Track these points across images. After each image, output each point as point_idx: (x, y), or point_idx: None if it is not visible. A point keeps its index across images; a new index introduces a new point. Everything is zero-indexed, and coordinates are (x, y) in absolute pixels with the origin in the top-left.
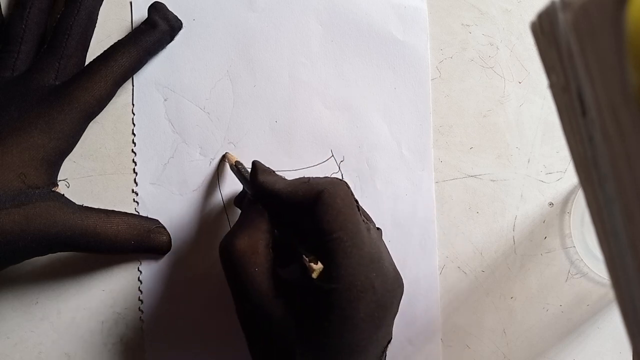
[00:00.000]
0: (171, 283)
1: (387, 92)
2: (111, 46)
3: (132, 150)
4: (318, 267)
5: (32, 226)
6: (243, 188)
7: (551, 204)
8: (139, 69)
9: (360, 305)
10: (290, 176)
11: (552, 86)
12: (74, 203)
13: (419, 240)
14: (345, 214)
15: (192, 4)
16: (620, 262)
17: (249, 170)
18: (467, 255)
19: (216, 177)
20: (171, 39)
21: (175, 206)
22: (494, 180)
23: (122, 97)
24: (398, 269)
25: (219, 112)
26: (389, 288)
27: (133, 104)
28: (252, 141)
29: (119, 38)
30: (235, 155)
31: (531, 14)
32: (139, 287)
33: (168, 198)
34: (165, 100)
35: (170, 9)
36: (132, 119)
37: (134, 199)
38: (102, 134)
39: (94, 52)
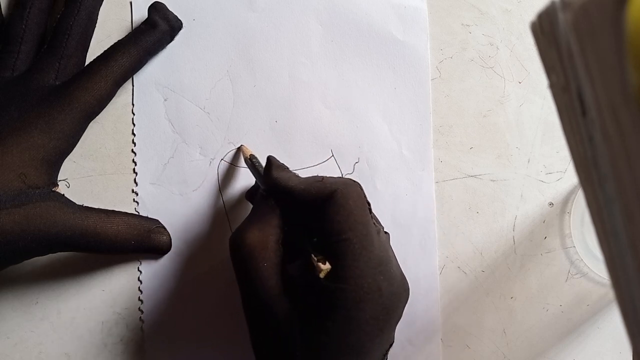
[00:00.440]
0: (171, 283)
1: (387, 92)
2: (111, 46)
3: (132, 150)
4: (326, 267)
5: (32, 226)
6: (255, 182)
7: (551, 204)
8: (139, 69)
9: (365, 307)
10: None
11: (552, 86)
12: (74, 203)
13: (419, 240)
14: (357, 215)
15: (192, 4)
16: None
17: (263, 164)
18: (467, 255)
19: (216, 177)
20: (171, 39)
21: (175, 206)
22: (494, 180)
23: (122, 97)
24: None
25: (219, 112)
26: (395, 292)
27: (133, 104)
28: (252, 141)
29: (119, 38)
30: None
31: (531, 14)
32: (139, 287)
33: (168, 198)
34: (165, 100)
35: (170, 9)
36: (132, 119)
37: (134, 199)
38: (102, 134)
39: (94, 52)
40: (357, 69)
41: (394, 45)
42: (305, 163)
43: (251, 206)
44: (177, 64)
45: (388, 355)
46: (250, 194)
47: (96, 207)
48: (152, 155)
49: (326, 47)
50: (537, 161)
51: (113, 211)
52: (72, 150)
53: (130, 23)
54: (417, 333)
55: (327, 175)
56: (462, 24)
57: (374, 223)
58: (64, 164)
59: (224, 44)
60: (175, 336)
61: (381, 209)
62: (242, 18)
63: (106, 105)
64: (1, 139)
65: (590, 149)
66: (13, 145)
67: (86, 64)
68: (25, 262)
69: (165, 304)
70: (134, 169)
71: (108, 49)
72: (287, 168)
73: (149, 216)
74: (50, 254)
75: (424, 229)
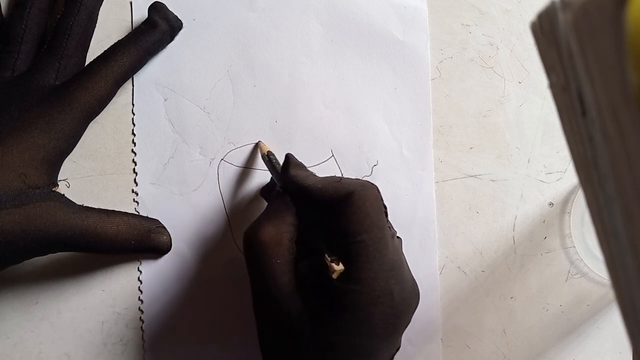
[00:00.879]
0: (171, 283)
1: (387, 92)
2: (111, 46)
3: (132, 150)
4: (339, 268)
5: (32, 226)
6: (271, 179)
7: (551, 204)
8: (139, 69)
9: (377, 310)
10: None
11: (552, 86)
12: (74, 203)
13: (419, 240)
14: (373, 218)
15: (192, 4)
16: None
17: (279, 161)
18: (467, 255)
19: (216, 177)
20: (171, 39)
21: (175, 206)
22: (494, 180)
23: (122, 97)
24: None
25: (219, 112)
26: (406, 297)
27: (133, 104)
28: (253, 141)
29: (119, 38)
30: (268, 146)
31: (531, 14)
32: (139, 287)
33: (168, 198)
34: (165, 100)
35: (170, 9)
36: (132, 119)
37: (134, 199)
38: (102, 134)
39: (94, 52)
40: (357, 69)
41: (394, 45)
42: (305, 163)
43: (250, 206)
44: (177, 64)
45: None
46: (265, 190)
47: (96, 207)
48: (152, 155)
49: (326, 47)
50: (537, 161)
51: (113, 211)
52: (72, 150)
53: (130, 23)
54: (417, 333)
55: (345, 176)
56: (462, 24)
57: (389, 227)
58: (64, 164)
59: (224, 44)
60: (175, 336)
61: None
62: (242, 18)
63: (106, 105)
64: (1, 139)
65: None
66: (13, 145)
67: (86, 64)
68: (25, 262)
69: (165, 304)
70: (134, 169)
71: (108, 49)
72: (305, 166)
73: (149, 216)
74: (50, 254)
75: (424, 229)
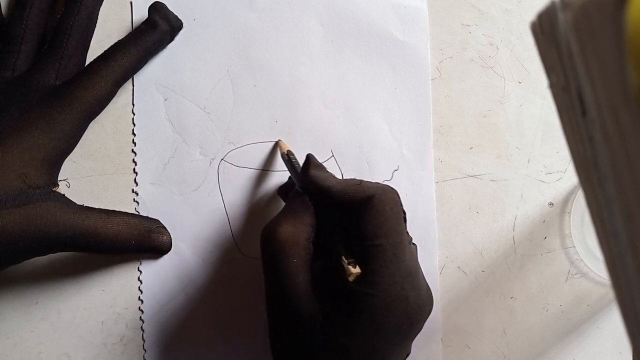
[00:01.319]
0: (171, 283)
1: (387, 92)
2: (111, 46)
3: (132, 150)
4: (356, 271)
5: (32, 226)
6: (289, 178)
7: (551, 204)
8: (140, 69)
9: (391, 315)
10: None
11: (552, 86)
12: (75, 203)
13: (419, 241)
14: (392, 223)
15: (192, 4)
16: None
17: (298, 161)
18: (467, 255)
19: (216, 177)
20: (171, 39)
21: (175, 206)
22: (494, 180)
23: (122, 97)
24: None
25: (219, 112)
26: (420, 303)
27: (133, 104)
28: (253, 141)
29: (119, 38)
30: (288, 145)
31: (531, 14)
32: (139, 287)
33: (168, 198)
34: (165, 100)
35: (170, 9)
36: (132, 119)
37: (134, 199)
38: (102, 134)
39: (94, 52)
40: (357, 69)
41: (394, 45)
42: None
43: (250, 205)
44: (178, 64)
45: None
46: (282, 189)
47: (96, 207)
48: (152, 155)
49: (326, 47)
50: (537, 161)
51: (113, 211)
52: (72, 150)
53: (130, 23)
54: None
55: (366, 180)
56: (462, 24)
57: (407, 232)
58: (64, 164)
59: (224, 44)
60: (175, 336)
61: None
62: (242, 18)
63: (106, 105)
64: (2, 139)
65: (590, 149)
66: (13, 145)
67: (86, 64)
68: (25, 262)
69: (165, 304)
70: (134, 169)
71: (108, 49)
72: (325, 167)
73: (149, 216)
74: (50, 254)
75: (424, 229)
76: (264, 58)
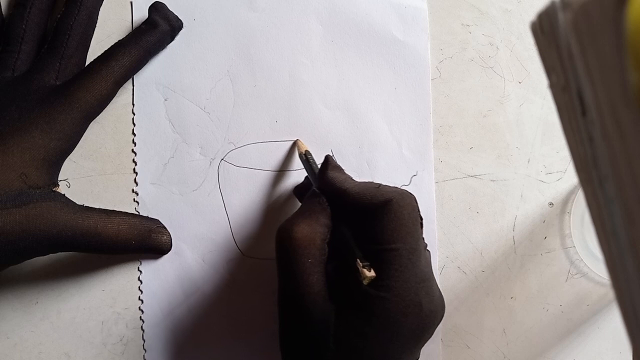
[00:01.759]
0: (171, 283)
1: (387, 92)
2: (112, 46)
3: (132, 150)
4: (370, 274)
5: (33, 226)
6: (305, 178)
7: (551, 204)
8: (140, 69)
9: (404, 320)
10: (291, 175)
11: (552, 86)
12: (75, 203)
13: None
14: (409, 228)
15: (192, 4)
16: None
17: (315, 161)
18: (467, 255)
19: (216, 177)
20: (172, 39)
21: (175, 206)
22: (494, 180)
23: (122, 97)
24: None
25: (219, 112)
26: (433, 309)
27: (133, 104)
28: (253, 141)
29: (119, 38)
30: (306, 145)
31: (531, 14)
32: (139, 287)
33: (168, 198)
34: (165, 100)
35: (170, 9)
36: (132, 119)
37: (134, 199)
38: (102, 134)
39: (94, 52)
40: (357, 69)
41: (394, 45)
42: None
43: (250, 205)
44: (178, 63)
45: None
46: (298, 189)
47: (96, 207)
48: (152, 155)
49: (326, 47)
50: (537, 161)
51: (114, 211)
52: (72, 150)
53: (130, 23)
54: None
55: (384, 184)
56: (462, 24)
57: (423, 238)
58: (64, 164)
59: (225, 44)
60: (175, 336)
61: None
62: (243, 18)
63: (107, 105)
64: (2, 139)
65: (590, 149)
66: (14, 145)
67: (86, 64)
68: (25, 262)
69: (165, 304)
70: (134, 169)
71: (109, 49)
72: (343, 169)
73: (149, 216)
74: (50, 254)
75: (424, 229)
76: (264, 58)
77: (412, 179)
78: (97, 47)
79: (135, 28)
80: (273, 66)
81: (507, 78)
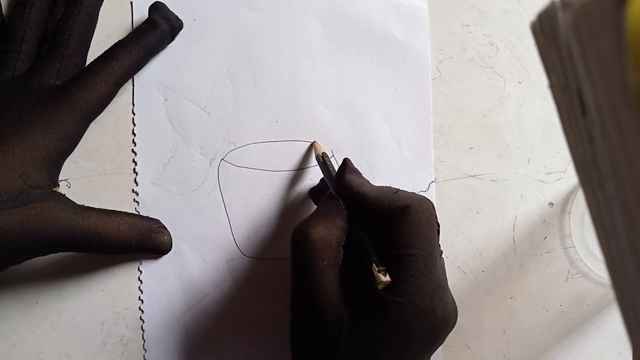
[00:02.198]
0: (171, 283)
1: (387, 92)
2: (112, 46)
3: (133, 150)
4: (386, 279)
5: (33, 226)
6: (321, 180)
7: (551, 204)
8: (140, 69)
9: (418, 326)
10: (290, 175)
11: (552, 86)
12: (75, 203)
13: None
14: (426, 234)
15: (192, 4)
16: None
17: (332, 163)
18: (467, 255)
19: (216, 177)
20: (172, 39)
21: (175, 206)
22: (494, 180)
23: (122, 97)
24: None
25: (219, 112)
26: (446, 316)
27: (133, 104)
28: (253, 141)
29: (120, 38)
30: (323, 147)
31: (531, 14)
32: (139, 287)
33: (168, 198)
34: (165, 100)
35: (170, 8)
36: (132, 119)
37: (134, 199)
38: (102, 134)
39: (94, 52)
40: (357, 69)
41: (394, 45)
42: (306, 163)
43: (250, 206)
44: (178, 63)
45: None
46: (313, 191)
47: (96, 207)
48: (153, 155)
49: (326, 47)
50: (537, 161)
51: (114, 211)
52: (73, 150)
53: (130, 23)
54: None
55: (402, 189)
56: (462, 24)
57: (439, 245)
58: (64, 164)
59: (225, 44)
60: (175, 336)
61: None
62: (243, 18)
63: (107, 105)
64: (2, 139)
65: (590, 149)
66: (14, 145)
67: (87, 64)
68: (25, 262)
69: (166, 304)
70: (134, 169)
71: (109, 49)
72: (360, 173)
73: (150, 216)
74: (51, 254)
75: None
76: (264, 58)
77: (430, 185)
78: (97, 47)
79: (136, 28)
80: (273, 66)
81: (507, 78)
